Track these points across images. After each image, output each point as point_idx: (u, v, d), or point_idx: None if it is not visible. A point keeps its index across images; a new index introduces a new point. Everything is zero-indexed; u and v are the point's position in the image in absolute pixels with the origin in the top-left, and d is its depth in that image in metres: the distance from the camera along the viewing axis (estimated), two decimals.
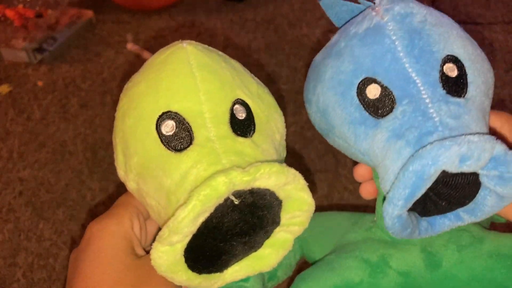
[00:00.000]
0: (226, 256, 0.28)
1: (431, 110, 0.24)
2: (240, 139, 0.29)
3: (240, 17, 1.26)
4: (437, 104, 0.25)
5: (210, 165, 0.26)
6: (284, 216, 0.29)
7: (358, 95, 0.27)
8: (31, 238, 0.73)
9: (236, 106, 0.30)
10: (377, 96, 0.26)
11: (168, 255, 0.26)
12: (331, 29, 1.20)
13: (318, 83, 0.32)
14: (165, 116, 0.28)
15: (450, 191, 0.25)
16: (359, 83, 0.27)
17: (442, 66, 0.26)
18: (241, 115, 0.29)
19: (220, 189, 0.24)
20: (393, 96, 0.25)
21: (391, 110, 0.26)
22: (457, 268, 0.29)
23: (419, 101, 0.25)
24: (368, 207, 0.75)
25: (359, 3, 0.30)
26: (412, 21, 0.26)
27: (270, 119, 0.34)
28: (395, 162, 0.25)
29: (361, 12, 0.30)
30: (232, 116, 0.29)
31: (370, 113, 0.26)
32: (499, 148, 0.24)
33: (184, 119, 0.28)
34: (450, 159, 0.23)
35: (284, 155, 0.36)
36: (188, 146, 0.27)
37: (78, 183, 0.81)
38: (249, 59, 1.10)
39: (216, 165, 0.26)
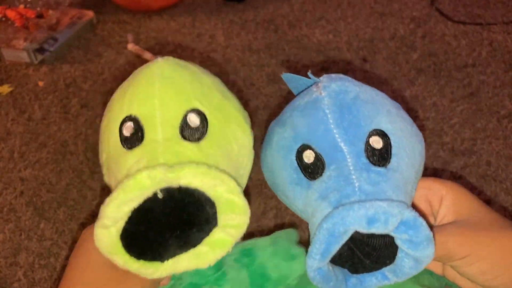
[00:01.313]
0: (160, 247, 0.31)
1: (353, 176, 0.27)
2: (185, 142, 0.32)
3: (240, 17, 1.27)
4: (359, 171, 0.28)
5: (149, 162, 0.30)
6: (221, 218, 0.31)
7: (296, 159, 0.31)
8: (32, 237, 0.73)
9: (191, 114, 0.33)
10: (311, 161, 0.30)
11: (104, 236, 0.29)
12: (331, 30, 1.20)
13: (267, 146, 0.38)
14: (127, 119, 0.33)
15: (371, 251, 0.28)
16: (298, 148, 0.31)
17: (368, 138, 0.29)
18: (194, 122, 0.33)
19: (143, 181, 0.28)
20: (323, 162, 0.29)
21: (321, 174, 0.29)
22: None
23: (344, 168, 0.28)
24: None
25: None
26: (345, 97, 0.30)
27: (227, 130, 0.37)
28: (318, 220, 0.28)
29: (309, 86, 0.34)
30: (184, 122, 0.32)
31: (305, 176, 0.30)
32: (408, 214, 0.26)
33: (139, 122, 0.32)
34: (357, 220, 0.26)
35: (248, 163, 0.41)
36: (138, 145, 0.32)
37: (79, 183, 0.82)
38: (249, 59, 1.10)
39: (154, 162, 0.30)
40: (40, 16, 1.15)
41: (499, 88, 0.99)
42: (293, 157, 0.31)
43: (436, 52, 1.10)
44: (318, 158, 0.29)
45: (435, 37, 1.15)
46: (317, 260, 0.27)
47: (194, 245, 0.31)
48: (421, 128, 0.90)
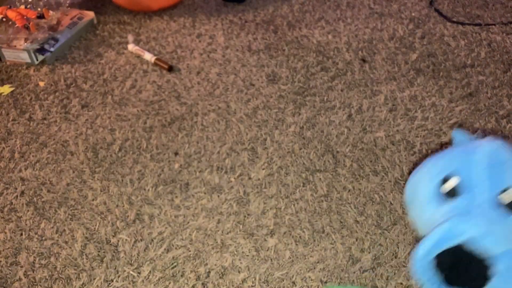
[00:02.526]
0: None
1: (478, 207, 0.34)
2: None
3: (240, 18, 1.27)
4: (485, 206, 0.34)
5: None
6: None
7: (441, 182, 0.39)
8: (33, 237, 0.74)
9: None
10: (451, 187, 0.37)
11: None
12: (330, 30, 1.21)
13: (417, 173, 0.44)
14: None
15: (464, 268, 0.33)
16: (446, 175, 0.38)
17: (506, 189, 0.35)
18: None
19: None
20: (460, 191, 0.36)
21: (454, 197, 0.36)
22: None
23: (476, 198, 0.35)
24: (367, 205, 0.76)
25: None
26: (499, 155, 0.38)
27: None
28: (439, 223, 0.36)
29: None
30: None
31: (440, 196, 0.38)
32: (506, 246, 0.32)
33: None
34: (472, 229, 0.32)
35: None
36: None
37: (79, 183, 0.82)
38: (249, 60, 1.10)
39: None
40: (40, 16, 1.15)
41: (497, 89, 0.99)
42: (437, 181, 0.39)
43: (435, 52, 1.10)
44: (459, 185, 0.37)
45: (434, 37, 1.16)
46: (425, 250, 0.34)
47: None
48: (420, 128, 0.90)
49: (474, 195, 0.35)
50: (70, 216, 0.76)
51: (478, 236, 0.32)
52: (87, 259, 0.70)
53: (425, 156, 0.84)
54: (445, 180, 0.38)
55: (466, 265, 0.33)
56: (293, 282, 0.66)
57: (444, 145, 0.86)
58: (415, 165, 0.82)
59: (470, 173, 0.37)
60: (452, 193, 0.37)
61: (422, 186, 0.40)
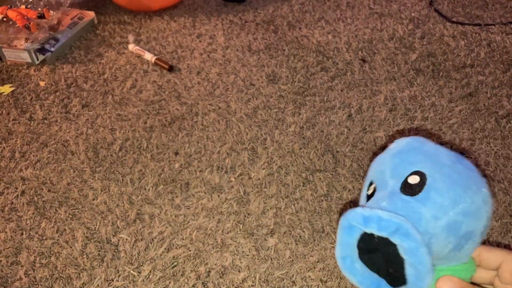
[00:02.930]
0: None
1: (382, 199, 0.36)
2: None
3: (240, 18, 1.27)
4: (389, 197, 0.36)
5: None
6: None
7: (367, 187, 0.40)
8: (33, 237, 0.74)
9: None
10: (371, 192, 0.39)
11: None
12: (330, 31, 1.21)
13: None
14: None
15: (388, 258, 0.34)
16: (368, 185, 0.40)
17: (408, 177, 0.36)
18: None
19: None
20: (375, 190, 0.38)
21: (372, 196, 0.38)
22: None
23: (382, 194, 0.37)
24: None
25: None
26: (403, 148, 0.39)
27: None
28: None
29: None
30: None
31: (367, 196, 0.40)
32: (399, 222, 0.32)
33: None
34: (355, 217, 0.34)
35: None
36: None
37: (80, 183, 0.82)
38: (249, 60, 1.11)
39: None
40: (41, 16, 1.15)
41: (497, 89, 0.99)
42: (365, 191, 0.40)
43: (435, 52, 1.11)
44: (374, 190, 0.39)
45: (433, 37, 1.16)
46: (337, 250, 0.35)
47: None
48: (420, 128, 0.91)
49: (381, 192, 0.37)
50: (70, 216, 0.76)
51: (364, 218, 0.33)
52: (87, 258, 0.70)
53: None
54: (369, 186, 0.40)
55: (389, 256, 0.34)
56: (293, 282, 0.67)
57: (443, 145, 0.87)
58: None
59: (380, 175, 0.38)
60: (371, 197, 0.38)
61: (360, 199, 0.42)
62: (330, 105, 0.97)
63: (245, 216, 0.76)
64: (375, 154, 0.85)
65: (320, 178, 0.81)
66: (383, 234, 0.33)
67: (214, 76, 1.06)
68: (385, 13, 1.27)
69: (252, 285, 0.66)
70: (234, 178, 0.82)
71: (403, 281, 0.34)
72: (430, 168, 0.36)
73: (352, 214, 0.33)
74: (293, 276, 0.67)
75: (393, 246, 0.33)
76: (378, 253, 0.34)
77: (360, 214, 0.33)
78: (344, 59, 1.10)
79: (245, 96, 1.00)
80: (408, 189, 0.35)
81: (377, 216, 0.32)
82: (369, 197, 0.38)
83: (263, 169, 0.83)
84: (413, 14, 1.26)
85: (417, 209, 0.34)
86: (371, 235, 0.33)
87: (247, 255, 0.70)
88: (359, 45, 1.14)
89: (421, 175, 0.35)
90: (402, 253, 0.32)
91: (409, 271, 0.33)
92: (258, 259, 0.69)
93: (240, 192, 0.79)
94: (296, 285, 0.66)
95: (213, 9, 1.31)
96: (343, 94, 0.99)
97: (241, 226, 0.74)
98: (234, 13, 1.29)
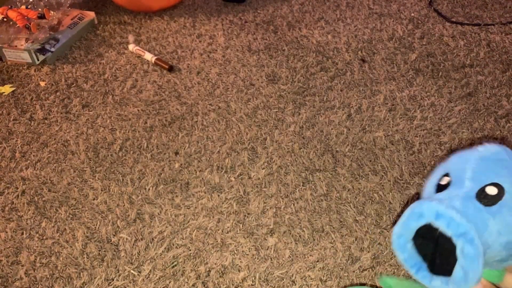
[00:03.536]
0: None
1: (456, 198, 0.37)
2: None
3: (240, 18, 1.27)
4: (463, 198, 0.37)
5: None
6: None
7: (438, 180, 0.42)
8: (34, 236, 0.74)
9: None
10: (444, 183, 0.40)
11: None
12: (330, 31, 1.21)
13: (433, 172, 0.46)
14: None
15: (441, 250, 0.36)
16: (442, 174, 0.41)
17: (487, 185, 0.37)
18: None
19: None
20: (450, 185, 0.39)
21: (445, 189, 0.40)
22: None
23: (456, 192, 0.38)
24: (366, 204, 0.76)
25: None
26: (492, 155, 0.40)
27: None
28: None
29: None
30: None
31: (436, 191, 0.41)
32: (469, 228, 0.34)
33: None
34: (429, 209, 0.35)
35: None
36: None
37: (80, 182, 0.82)
38: (249, 60, 1.11)
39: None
40: (41, 16, 1.15)
41: (496, 88, 0.99)
42: (437, 178, 0.41)
43: (434, 52, 1.11)
44: (449, 182, 0.39)
45: (433, 37, 1.16)
46: (398, 227, 0.37)
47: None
48: (420, 128, 0.91)
49: (456, 188, 0.38)
50: (71, 216, 0.77)
51: (437, 213, 0.35)
52: (87, 258, 0.71)
53: (423, 155, 0.84)
54: (440, 178, 0.41)
55: (442, 250, 0.36)
56: (293, 281, 0.67)
57: (442, 144, 0.87)
58: (414, 164, 0.82)
59: (459, 170, 0.39)
60: (443, 188, 0.40)
61: (427, 185, 0.43)
62: (330, 105, 0.97)
63: (245, 215, 0.76)
64: (374, 154, 0.86)
65: (319, 178, 0.81)
66: (449, 233, 0.35)
67: (214, 76, 1.07)
68: (385, 13, 1.27)
69: (252, 285, 0.67)
70: (234, 178, 0.82)
71: (445, 273, 0.36)
72: (510, 185, 0.38)
73: (427, 206, 0.36)
74: (292, 275, 0.67)
75: (453, 245, 0.35)
76: (432, 243, 0.37)
77: (435, 208, 0.35)
78: (344, 59, 1.10)
79: (245, 96, 1.00)
80: (484, 198, 0.37)
81: (450, 216, 0.35)
82: (440, 187, 0.40)
83: (263, 169, 0.83)
84: (412, 14, 1.26)
85: (486, 220, 0.36)
86: (435, 228, 0.36)
87: (247, 254, 0.70)
88: (358, 45, 1.15)
89: (500, 189, 0.37)
90: (459, 255, 0.35)
91: (458, 271, 0.35)
92: (258, 259, 0.70)
93: (240, 192, 0.80)
94: (295, 284, 0.66)
95: (213, 9, 1.32)
96: (343, 94, 1.00)
97: (241, 225, 0.74)
98: (234, 13, 1.29)
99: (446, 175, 0.40)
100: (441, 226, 0.35)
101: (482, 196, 0.37)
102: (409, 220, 0.37)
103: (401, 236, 0.38)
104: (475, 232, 0.34)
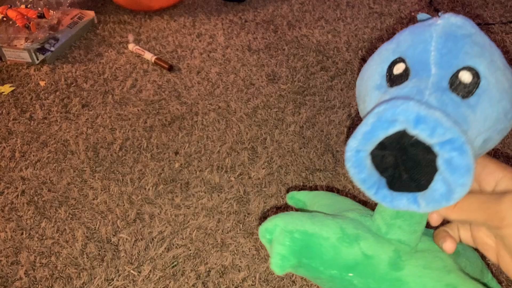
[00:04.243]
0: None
1: (427, 92, 0.28)
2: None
3: (240, 18, 1.27)
4: (435, 89, 0.28)
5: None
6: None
7: (388, 69, 0.32)
8: (33, 236, 0.74)
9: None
10: (399, 72, 0.31)
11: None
12: (330, 30, 1.21)
13: (371, 57, 0.36)
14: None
15: (411, 163, 0.28)
16: (393, 59, 0.32)
17: (459, 70, 0.29)
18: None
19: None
20: (408, 74, 0.30)
21: (400, 84, 0.30)
22: (413, 280, 0.32)
23: (423, 83, 0.29)
24: (368, 204, 0.76)
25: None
26: (457, 30, 0.31)
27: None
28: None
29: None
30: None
31: (387, 82, 0.31)
32: (459, 134, 0.26)
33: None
34: (407, 113, 0.26)
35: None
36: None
37: (80, 182, 0.82)
38: (249, 59, 1.11)
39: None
40: (41, 16, 1.15)
41: None
42: (386, 65, 0.32)
43: None
44: (406, 70, 0.30)
45: None
46: (357, 140, 0.28)
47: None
48: None
49: (420, 79, 0.29)
50: (70, 215, 0.77)
51: (418, 118, 0.26)
52: (87, 258, 0.70)
53: None
54: (392, 64, 0.31)
55: (412, 162, 0.28)
56: (293, 281, 0.67)
57: None
58: None
59: (418, 53, 0.30)
60: (399, 78, 0.30)
61: (368, 74, 0.33)
62: (330, 104, 0.97)
63: (245, 215, 0.76)
64: None
65: (320, 178, 0.81)
66: (431, 141, 0.26)
67: (214, 75, 1.06)
68: (385, 12, 1.27)
69: (252, 285, 0.66)
70: (234, 177, 0.82)
71: (411, 189, 0.29)
72: (485, 68, 0.29)
73: (403, 108, 0.26)
74: (293, 275, 0.67)
75: (433, 155, 0.27)
76: (396, 153, 0.28)
77: (414, 111, 0.26)
78: (344, 58, 1.10)
79: (245, 95, 1.00)
80: (459, 88, 0.29)
81: (435, 119, 0.26)
82: (394, 78, 0.30)
83: (263, 168, 0.83)
84: (413, 14, 1.26)
85: (466, 117, 0.28)
86: (409, 135, 0.27)
87: (247, 254, 0.70)
88: (359, 45, 1.14)
89: (475, 73, 0.29)
90: (444, 167, 0.27)
91: (439, 186, 0.27)
92: (258, 259, 0.70)
93: (240, 192, 0.79)
94: (296, 284, 0.66)
95: (213, 9, 1.31)
96: (343, 94, 0.99)
97: (241, 225, 0.74)
98: (234, 13, 1.29)
99: (399, 60, 0.31)
100: (422, 133, 0.26)
101: (458, 86, 0.29)
102: (376, 130, 0.28)
103: (360, 152, 0.29)
104: (466, 138, 0.26)
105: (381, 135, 0.28)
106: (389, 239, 0.34)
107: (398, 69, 0.30)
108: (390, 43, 0.33)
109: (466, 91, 0.29)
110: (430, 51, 0.29)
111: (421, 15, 0.34)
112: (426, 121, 0.26)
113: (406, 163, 0.28)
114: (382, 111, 0.27)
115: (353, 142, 0.29)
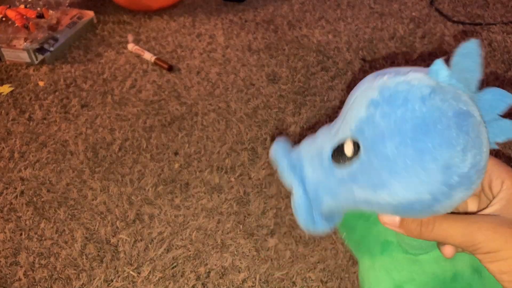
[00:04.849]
0: None
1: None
2: None
3: (240, 17, 1.27)
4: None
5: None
6: None
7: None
8: (32, 237, 0.73)
9: None
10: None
11: None
12: (330, 30, 1.20)
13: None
14: None
15: None
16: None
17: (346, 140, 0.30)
18: None
19: None
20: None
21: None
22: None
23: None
24: None
25: None
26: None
27: None
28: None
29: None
30: None
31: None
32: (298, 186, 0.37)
33: None
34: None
35: None
36: None
37: (79, 183, 0.82)
38: (249, 59, 1.10)
39: None
40: (40, 16, 1.15)
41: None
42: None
43: (436, 52, 1.10)
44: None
45: (434, 37, 1.16)
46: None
47: None
48: None
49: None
50: (70, 216, 0.76)
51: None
52: (87, 259, 0.70)
53: None
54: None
55: None
56: (293, 282, 0.66)
57: None
58: None
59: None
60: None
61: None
62: (331, 105, 0.97)
63: (245, 216, 0.75)
64: None
65: None
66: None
67: (214, 76, 1.06)
68: (386, 12, 1.27)
69: (252, 286, 0.66)
70: (234, 178, 0.82)
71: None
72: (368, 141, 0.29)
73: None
74: (293, 276, 0.67)
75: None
76: None
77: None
78: (345, 58, 1.10)
79: (245, 96, 1.00)
80: (340, 159, 0.30)
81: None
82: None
83: (263, 169, 0.83)
84: (413, 14, 1.25)
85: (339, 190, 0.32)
86: None
87: (247, 255, 0.70)
88: (359, 45, 1.14)
89: (356, 146, 0.29)
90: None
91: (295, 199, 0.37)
92: (258, 260, 0.69)
93: (240, 193, 0.79)
94: (296, 285, 0.66)
95: (213, 9, 1.31)
96: (344, 94, 0.99)
97: (241, 226, 0.74)
98: (234, 13, 1.29)
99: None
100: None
101: (337, 156, 0.30)
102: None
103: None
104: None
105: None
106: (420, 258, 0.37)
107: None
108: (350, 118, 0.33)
109: (343, 162, 0.32)
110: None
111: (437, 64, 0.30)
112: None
113: None
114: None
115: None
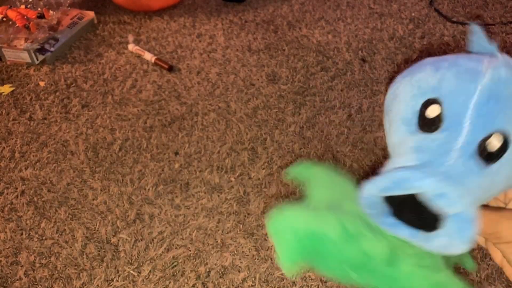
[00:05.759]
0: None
1: (454, 155, 0.28)
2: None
3: (240, 18, 1.27)
4: (463, 155, 0.28)
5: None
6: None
7: (422, 106, 0.31)
8: (33, 237, 0.74)
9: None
10: (432, 117, 0.30)
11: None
12: (330, 30, 1.21)
13: (410, 74, 0.34)
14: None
15: (419, 210, 0.29)
16: (430, 98, 0.31)
17: (491, 134, 0.28)
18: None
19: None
20: (441, 123, 0.29)
21: (430, 131, 0.29)
22: (404, 277, 0.33)
23: (453, 141, 0.28)
24: None
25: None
26: (503, 89, 0.29)
27: None
28: (396, 164, 0.30)
29: (484, 54, 0.33)
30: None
31: (418, 123, 0.31)
32: (470, 209, 0.27)
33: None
34: (429, 188, 0.27)
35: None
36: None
37: (79, 183, 0.82)
38: (249, 60, 1.11)
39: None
40: (41, 16, 1.15)
41: None
42: (421, 101, 0.31)
43: (435, 52, 1.10)
44: (439, 118, 0.29)
45: (434, 37, 1.16)
46: (372, 190, 0.29)
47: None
48: None
49: (451, 135, 0.29)
50: (70, 216, 0.76)
51: (433, 195, 0.27)
52: (87, 258, 0.70)
53: None
54: (427, 103, 0.31)
55: (417, 208, 0.29)
56: (293, 282, 0.66)
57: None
58: None
59: (457, 104, 0.29)
60: (431, 123, 0.30)
61: (402, 99, 0.33)
62: (330, 105, 0.97)
63: (245, 216, 0.76)
64: (375, 154, 0.85)
65: None
66: (443, 210, 0.28)
67: (214, 76, 1.06)
68: (385, 13, 1.27)
69: (252, 285, 0.66)
70: (234, 178, 0.82)
71: (416, 225, 0.30)
72: None
73: (425, 183, 0.27)
74: (293, 276, 0.67)
75: (443, 216, 0.28)
76: (407, 199, 0.29)
77: (438, 188, 0.27)
78: (344, 59, 1.10)
79: (245, 96, 1.00)
80: (485, 154, 0.28)
81: (455, 197, 0.27)
82: (425, 121, 0.29)
83: (263, 169, 0.83)
84: (413, 14, 1.25)
85: (485, 186, 0.29)
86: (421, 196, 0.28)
87: (247, 255, 0.70)
88: (359, 45, 1.14)
89: (505, 139, 0.28)
90: (450, 229, 0.29)
91: (441, 239, 0.29)
92: (258, 259, 0.69)
93: (240, 192, 0.79)
94: (296, 285, 0.66)
95: (213, 9, 1.31)
96: (343, 94, 0.99)
97: (241, 226, 0.74)
98: (234, 13, 1.29)
99: (435, 101, 0.30)
100: (439, 204, 0.27)
101: (482, 150, 0.28)
102: (392, 191, 0.29)
103: (374, 196, 0.30)
104: (475, 210, 0.28)
105: (396, 193, 0.29)
106: (385, 234, 0.35)
107: (432, 112, 0.30)
108: (433, 74, 0.32)
109: (492, 157, 0.28)
110: (469, 107, 0.28)
111: (475, 28, 0.32)
112: (446, 197, 0.27)
113: (416, 208, 0.29)
114: (401, 181, 0.27)
115: (369, 190, 0.29)
